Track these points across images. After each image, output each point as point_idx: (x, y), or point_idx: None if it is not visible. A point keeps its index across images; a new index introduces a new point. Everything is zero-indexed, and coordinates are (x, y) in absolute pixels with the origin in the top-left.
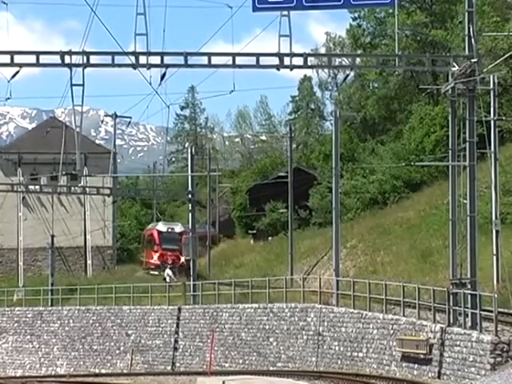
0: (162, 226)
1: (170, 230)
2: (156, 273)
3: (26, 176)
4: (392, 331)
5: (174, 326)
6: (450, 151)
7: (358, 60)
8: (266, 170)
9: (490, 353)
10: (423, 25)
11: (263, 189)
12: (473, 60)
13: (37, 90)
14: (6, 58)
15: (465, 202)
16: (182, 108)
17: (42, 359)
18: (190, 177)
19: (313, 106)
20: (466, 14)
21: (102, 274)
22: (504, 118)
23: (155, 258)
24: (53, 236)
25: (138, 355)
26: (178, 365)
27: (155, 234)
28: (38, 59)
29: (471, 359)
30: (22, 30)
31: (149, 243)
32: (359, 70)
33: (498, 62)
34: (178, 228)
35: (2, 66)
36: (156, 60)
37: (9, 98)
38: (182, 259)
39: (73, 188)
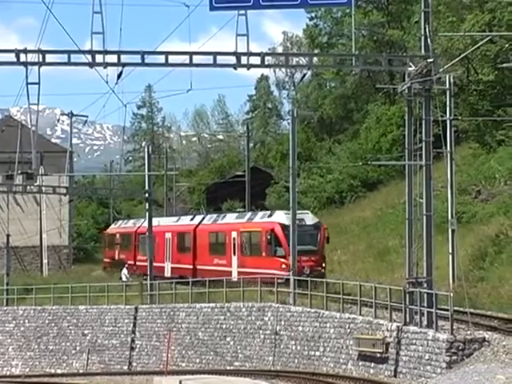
0: (284, 218)
1: (299, 222)
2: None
3: None
4: (349, 330)
5: (131, 325)
6: (407, 151)
7: (315, 59)
8: (223, 169)
9: (446, 351)
10: (380, 24)
11: (220, 188)
12: (429, 60)
13: None
14: None
15: (421, 201)
16: (139, 107)
17: None
18: (146, 176)
19: (270, 106)
20: (422, 14)
21: (58, 273)
22: (460, 117)
23: (283, 267)
24: (8, 235)
25: (94, 355)
26: (134, 364)
27: (277, 230)
28: None
29: (427, 357)
30: None
31: (268, 243)
32: (316, 69)
33: (453, 62)
34: (310, 219)
35: None
36: (113, 59)
37: None
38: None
39: (28, 187)
